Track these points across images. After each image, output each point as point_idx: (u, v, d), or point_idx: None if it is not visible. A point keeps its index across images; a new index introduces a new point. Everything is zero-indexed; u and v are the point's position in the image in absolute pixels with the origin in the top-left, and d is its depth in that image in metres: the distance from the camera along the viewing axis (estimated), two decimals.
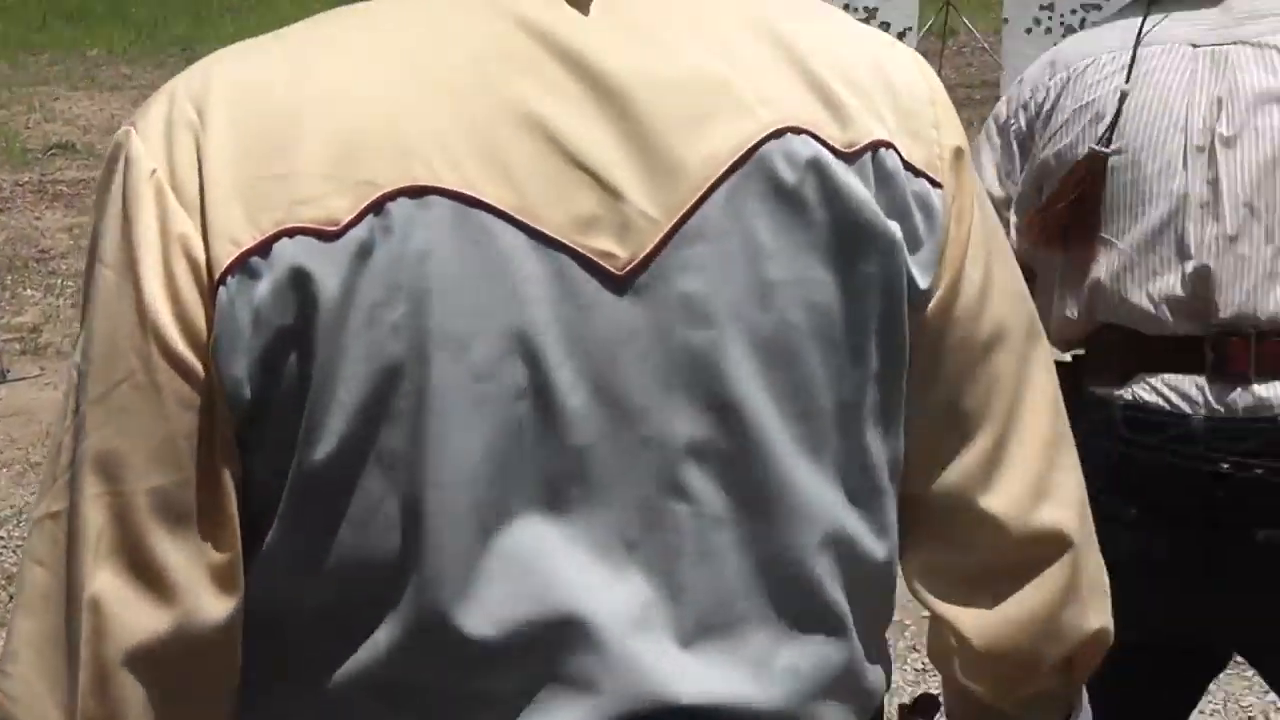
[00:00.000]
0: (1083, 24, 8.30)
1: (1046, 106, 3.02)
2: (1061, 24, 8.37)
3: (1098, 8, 8.39)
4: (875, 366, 1.50)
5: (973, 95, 12.46)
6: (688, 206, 1.42)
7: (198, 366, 1.35)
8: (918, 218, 1.50)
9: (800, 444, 1.46)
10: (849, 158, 1.46)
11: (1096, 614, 1.70)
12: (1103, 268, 2.97)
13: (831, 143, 1.46)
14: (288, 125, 1.38)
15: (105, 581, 1.36)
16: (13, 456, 7.20)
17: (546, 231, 1.38)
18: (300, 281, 1.34)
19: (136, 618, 1.36)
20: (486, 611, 1.39)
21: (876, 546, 1.53)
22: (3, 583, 6.36)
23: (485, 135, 1.38)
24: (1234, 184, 2.87)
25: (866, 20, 8.02)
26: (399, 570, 1.40)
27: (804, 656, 1.50)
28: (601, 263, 1.40)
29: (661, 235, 1.41)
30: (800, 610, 1.48)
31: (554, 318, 1.38)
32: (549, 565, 1.40)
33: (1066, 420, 1.69)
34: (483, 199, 1.36)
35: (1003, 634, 1.64)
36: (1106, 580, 1.73)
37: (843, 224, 1.46)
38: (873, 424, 1.51)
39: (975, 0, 13.94)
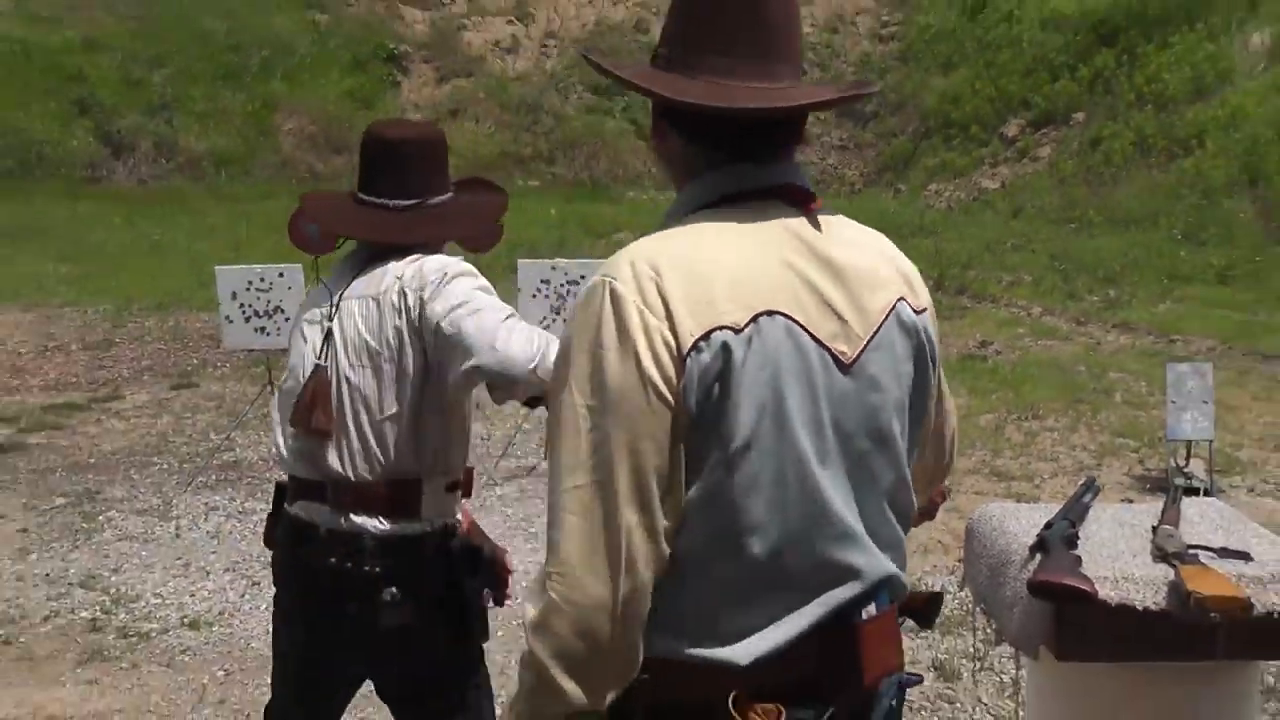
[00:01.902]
0: (570, 295, 8.54)
1: None
2: (554, 294, 8.55)
3: (576, 283, 8.53)
4: (919, 413, 2.12)
5: None
6: (872, 331, 1.98)
7: (671, 399, 1.82)
8: (924, 336, 2.08)
9: (907, 452, 2.08)
10: (920, 313, 2.08)
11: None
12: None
13: (916, 306, 2.07)
14: (702, 275, 1.86)
15: (633, 520, 1.82)
16: None
17: (820, 338, 1.91)
18: (724, 353, 1.83)
19: (647, 536, 1.83)
20: (818, 533, 1.93)
21: (911, 497, 2.12)
22: None
23: (791, 287, 1.90)
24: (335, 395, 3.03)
25: None
26: (773, 510, 1.88)
27: (895, 549, 2.08)
28: (840, 357, 1.93)
29: (863, 345, 1.96)
30: (895, 530, 2.08)
31: (823, 384, 1.91)
32: (832, 505, 1.94)
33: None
34: (794, 318, 1.89)
35: None
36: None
37: (918, 345, 2.07)
38: (908, 443, 2.09)
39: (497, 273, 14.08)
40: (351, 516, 2.98)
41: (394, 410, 2.97)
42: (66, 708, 5.23)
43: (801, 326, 1.89)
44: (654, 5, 28.70)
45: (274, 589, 3.30)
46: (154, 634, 5.95)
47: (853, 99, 2.13)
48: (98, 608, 6.27)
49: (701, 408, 1.83)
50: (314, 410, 3.00)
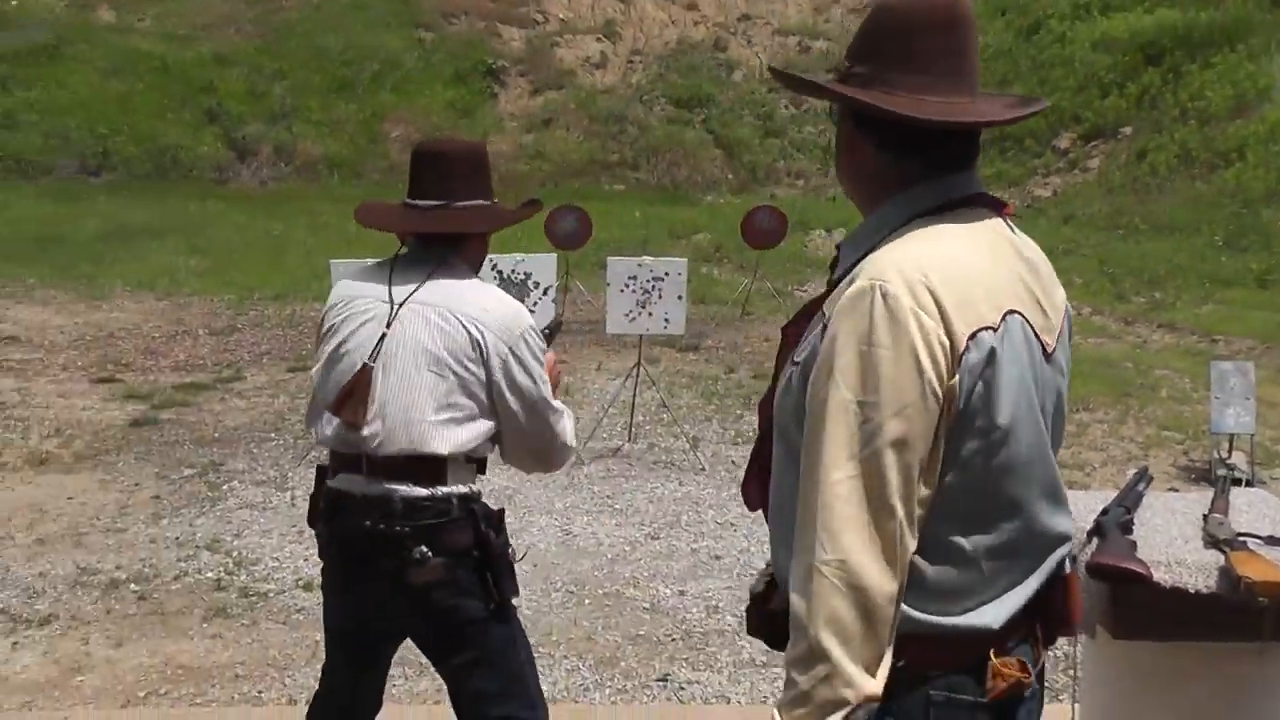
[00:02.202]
0: (654, 289, 8.55)
1: None
2: (640, 289, 8.54)
3: (661, 279, 8.56)
4: None
5: (583, 327, 12.68)
6: (1060, 323, 2.04)
7: (942, 396, 1.81)
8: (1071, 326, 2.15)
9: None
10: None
11: None
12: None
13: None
14: (959, 278, 1.85)
15: (901, 509, 1.80)
16: None
17: (1036, 331, 1.94)
18: (989, 352, 1.84)
19: (909, 524, 1.82)
20: (1049, 505, 1.99)
21: None
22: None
23: (1016, 287, 1.94)
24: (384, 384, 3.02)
25: (524, 280, 7.95)
26: (1021, 489, 1.93)
27: None
28: (1046, 347, 1.96)
29: (1056, 335, 2.01)
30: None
31: (1040, 370, 1.95)
32: (1059, 479, 2.03)
33: None
34: (1025, 315, 1.92)
35: None
36: None
37: (1070, 333, 2.12)
38: None
39: (586, 269, 14.43)
40: (384, 483, 3.00)
41: (441, 415, 3.00)
42: (194, 658, 5.29)
43: (1028, 322, 1.93)
44: (731, 26, 28.62)
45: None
46: (272, 594, 6.01)
47: (1034, 115, 2.15)
48: (221, 569, 6.34)
49: (968, 403, 1.84)
50: (347, 403, 3.02)
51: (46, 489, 7.74)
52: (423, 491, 2.99)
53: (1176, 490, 7.54)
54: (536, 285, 8.10)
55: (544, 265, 8.29)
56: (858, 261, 1.93)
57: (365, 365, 3.03)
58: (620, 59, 27.89)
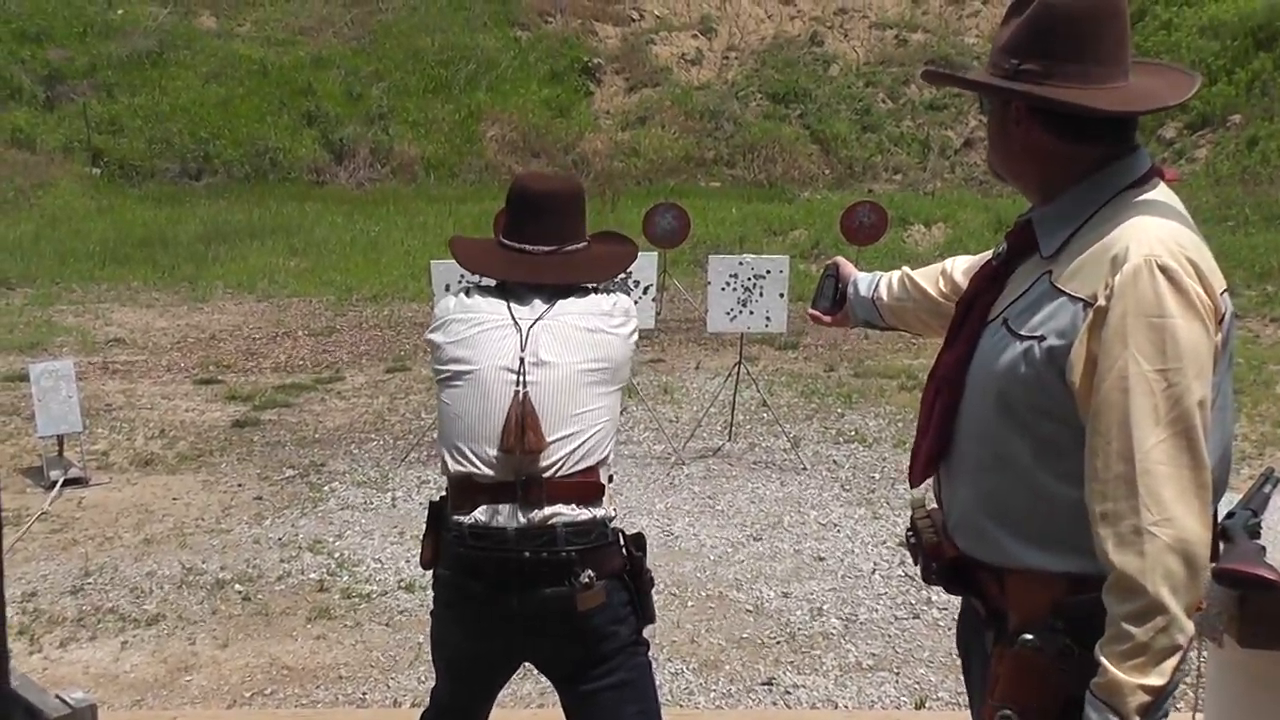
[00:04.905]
0: (756, 287, 8.47)
1: None
2: (742, 287, 8.48)
3: (762, 277, 8.48)
4: None
5: (681, 325, 12.86)
6: None
7: (1216, 355, 1.98)
8: None
9: None
10: None
11: None
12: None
13: None
14: (1197, 245, 1.99)
15: (1208, 461, 1.95)
16: (95, 532, 7.05)
17: None
18: (1230, 310, 2.01)
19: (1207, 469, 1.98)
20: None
21: None
22: (94, 612, 6.02)
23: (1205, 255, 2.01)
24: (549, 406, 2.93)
25: (625, 278, 7.60)
26: (1225, 430, 2.14)
27: None
28: None
29: None
30: None
31: None
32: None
33: None
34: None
35: None
36: None
37: None
38: None
39: (683, 267, 14.66)
40: (544, 508, 2.90)
41: (606, 416, 2.98)
42: (299, 659, 5.33)
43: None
44: (827, 20, 28.41)
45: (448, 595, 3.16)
46: (374, 595, 6.05)
47: (1199, 92, 2.25)
48: (324, 570, 6.40)
49: (1218, 357, 2.00)
50: (526, 433, 2.91)
51: (151, 490, 7.88)
52: (585, 515, 2.92)
53: None
54: (637, 284, 8.08)
55: (645, 264, 8.26)
56: (1070, 238, 2.09)
57: (518, 393, 2.94)
58: (716, 55, 27.82)
